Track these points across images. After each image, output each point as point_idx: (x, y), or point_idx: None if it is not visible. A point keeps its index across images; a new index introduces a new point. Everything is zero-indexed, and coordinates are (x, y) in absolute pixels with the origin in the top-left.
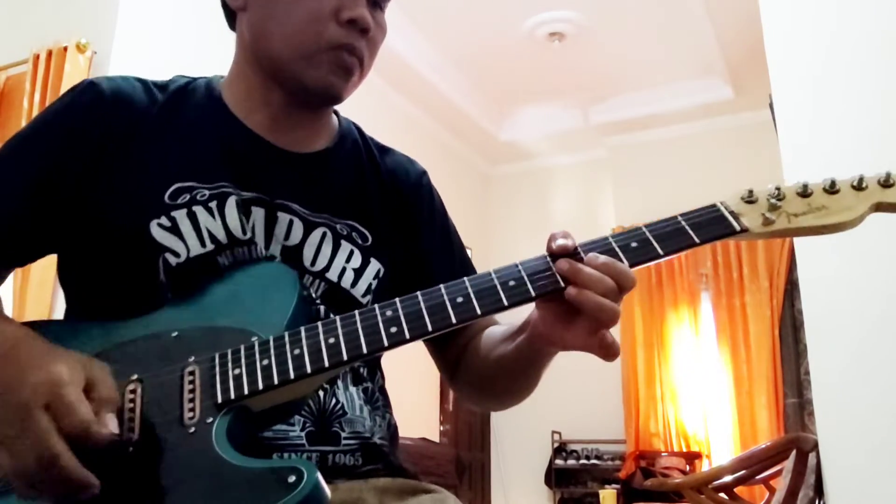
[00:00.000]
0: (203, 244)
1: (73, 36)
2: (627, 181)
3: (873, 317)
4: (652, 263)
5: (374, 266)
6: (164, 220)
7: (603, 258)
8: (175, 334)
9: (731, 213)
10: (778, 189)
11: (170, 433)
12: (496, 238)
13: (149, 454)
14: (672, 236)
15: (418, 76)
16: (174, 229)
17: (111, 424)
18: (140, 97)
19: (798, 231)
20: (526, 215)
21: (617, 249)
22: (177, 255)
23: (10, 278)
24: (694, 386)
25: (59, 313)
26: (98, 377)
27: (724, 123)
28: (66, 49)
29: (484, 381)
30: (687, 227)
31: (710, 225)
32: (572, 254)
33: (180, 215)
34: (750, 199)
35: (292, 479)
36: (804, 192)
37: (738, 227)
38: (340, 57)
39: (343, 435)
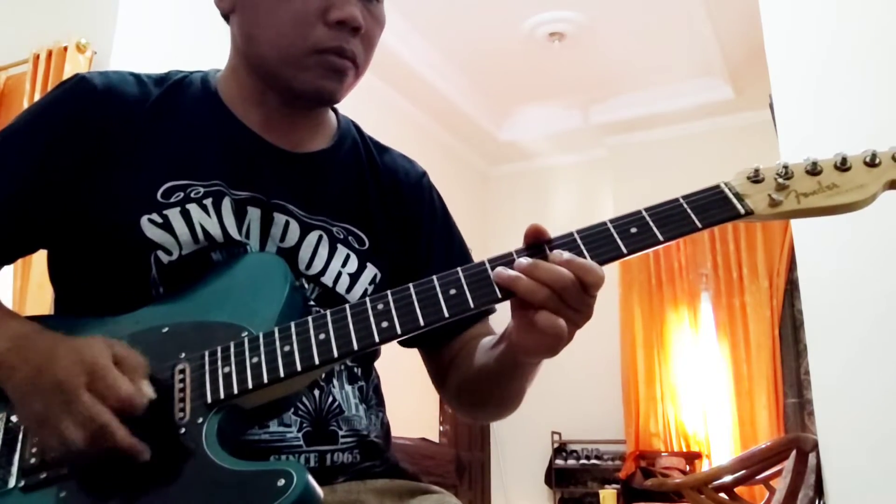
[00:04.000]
0: (196, 241)
1: (73, 36)
2: (627, 181)
3: (873, 317)
4: (652, 250)
5: (371, 271)
6: (155, 217)
7: (567, 255)
8: (165, 329)
9: (736, 194)
10: (786, 167)
11: (160, 433)
12: (496, 238)
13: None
14: (673, 220)
15: (418, 76)
16: (167, 227)
17: (148, 391)
18: (132, 91)
19: (807, 212)
20: (525, 215)
21: (615, 235)
22: (169, 253)
23: (10, 280)
24: (694, 386)
25: None
26: (122, 351)
27: (724, 123)
28: (66, 49)
29: (468, 390)
30: (689, 211)
31: (714, 208)
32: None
33: (173, 213)
34: (756, 178)
35: (281, 482)
36: (813, 170)
37: (742, 210)
38: (329, 60)
39: (341, 433)
